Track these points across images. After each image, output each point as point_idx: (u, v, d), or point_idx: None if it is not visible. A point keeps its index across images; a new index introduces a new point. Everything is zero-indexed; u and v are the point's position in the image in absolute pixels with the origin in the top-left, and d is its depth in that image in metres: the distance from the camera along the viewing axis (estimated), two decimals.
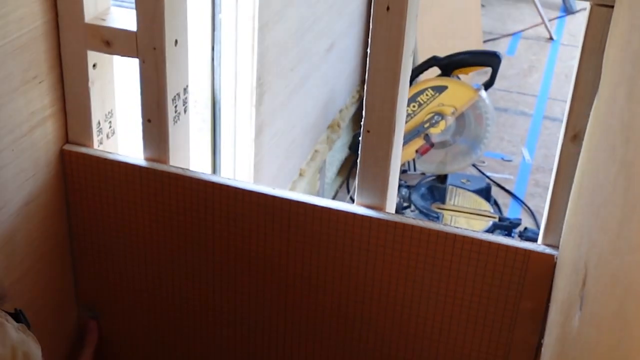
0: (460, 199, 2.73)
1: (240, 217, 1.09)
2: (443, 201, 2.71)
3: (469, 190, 2.78)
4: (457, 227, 1.03)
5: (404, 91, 1.00)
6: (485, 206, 2.71)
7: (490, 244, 1.00)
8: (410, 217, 1.04)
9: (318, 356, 1.15)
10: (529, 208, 2.96)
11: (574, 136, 0.95)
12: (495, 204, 2.89)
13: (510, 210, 2.97)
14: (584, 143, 0.91)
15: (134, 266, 1.19)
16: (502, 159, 3.25)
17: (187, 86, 1.13)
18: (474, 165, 3.10)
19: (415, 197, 2.69)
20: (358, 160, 1.05)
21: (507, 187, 3.08)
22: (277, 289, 1.13)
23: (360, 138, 1.03)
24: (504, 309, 1.03)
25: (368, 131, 1.03)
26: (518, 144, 3.34)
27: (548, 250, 0.99)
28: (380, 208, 1.06)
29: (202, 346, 1.22)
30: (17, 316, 0.86)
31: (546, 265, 0.99)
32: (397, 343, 1.11)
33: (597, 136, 0.77)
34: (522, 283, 1.01)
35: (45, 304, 1.18)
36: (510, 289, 1.02)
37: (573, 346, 0.60)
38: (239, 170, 1.97)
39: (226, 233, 1.11)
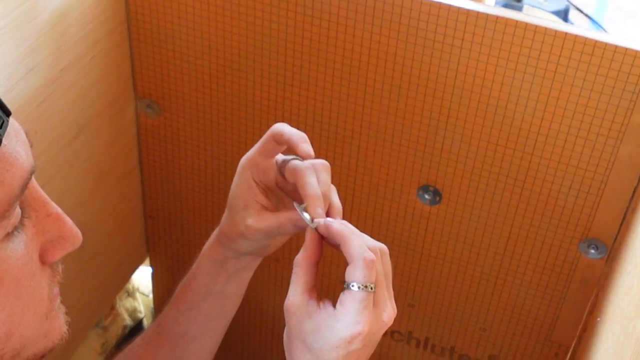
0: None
1: (318, 4, 0.97)
2: None
3: (546, 10, 2.61)
4: (568, 25, 0.89)
5: None
6: None
7: (606, 45, 0.87)
8: (514, 12, 0.90)
9: (395, 157, 1.06)
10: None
11: None
12: None
13: None
14: None
15: (196, 58, 1.08)
16: None
17: None
18: None
19: None
20: None
21: (586, 11, 2.88)
22: (358, 89, 1.02)
23: None
24: (612, 121, 0.91)
25: None
26: None
27: None
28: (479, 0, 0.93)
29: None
30: None
31: None
32: (485, 149, 1.00)
33: None
34: (637, 92, 0.89)
35: (101, 95, 1.09)
36: (622, 98, 0.89)
37: None
38: None
39: (301, 25, 0.99)
